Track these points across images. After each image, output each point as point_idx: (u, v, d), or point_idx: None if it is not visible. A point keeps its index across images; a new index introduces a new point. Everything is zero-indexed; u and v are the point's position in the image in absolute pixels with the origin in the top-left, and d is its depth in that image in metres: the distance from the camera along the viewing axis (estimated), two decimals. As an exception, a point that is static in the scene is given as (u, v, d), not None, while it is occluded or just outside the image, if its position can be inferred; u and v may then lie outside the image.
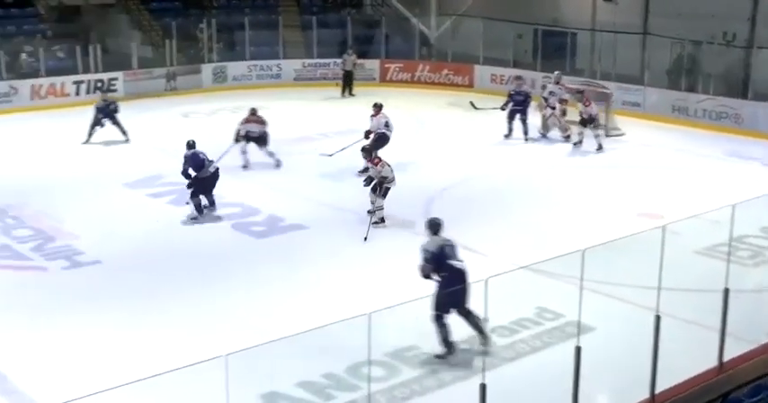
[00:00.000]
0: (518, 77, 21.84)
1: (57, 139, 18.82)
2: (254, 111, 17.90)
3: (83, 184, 16.56)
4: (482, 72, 26.88)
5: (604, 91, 21.92)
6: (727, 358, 9.21)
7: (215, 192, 14.74)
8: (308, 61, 28.08)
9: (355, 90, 25.90)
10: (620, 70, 23.98)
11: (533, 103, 20.82)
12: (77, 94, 24.58)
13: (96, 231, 13.97)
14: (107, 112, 20.04)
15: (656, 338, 8.44)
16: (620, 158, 19.07)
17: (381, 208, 14.38)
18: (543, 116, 20.80)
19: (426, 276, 9.64)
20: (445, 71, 27.68)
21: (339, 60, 27.05)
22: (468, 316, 9.57)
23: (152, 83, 25.80)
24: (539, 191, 16.45)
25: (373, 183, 14.37)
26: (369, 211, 14.43)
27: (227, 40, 28.67)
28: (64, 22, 27.43)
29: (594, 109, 19.34)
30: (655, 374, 8.46)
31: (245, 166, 17.44)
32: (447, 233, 13.63)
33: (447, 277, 9.59)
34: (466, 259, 12.47)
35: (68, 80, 24.51)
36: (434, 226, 10.02)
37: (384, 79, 27.88)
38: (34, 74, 24.45)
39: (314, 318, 9.92)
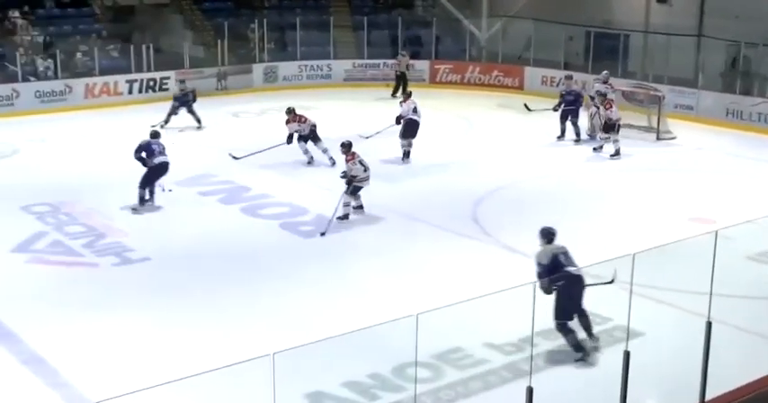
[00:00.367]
0: (568, 76, 21.64)
1: (109, 138, 19.05)
2: (289, 111, 18.05)
3: (134, 182, 16.69)
4: (532, 74, 26.71)
5: (656, 93, 21.67)
6: (780, 366, 9.05)
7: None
8: (358, 61, 28.14)
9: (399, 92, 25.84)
10: (673, 73, 23.67)
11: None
12: (130, 92, 24.89)
13: (146, 228, 14.13)
14: (183, 102, 21.31)
15: (707, 345, 8.30)
16: (672, 162, 18.83)
17: (348, 204, 14.53)
18: (590, 115, 20.62)
19: (547, 292, 9.32)
20: (495, 73, 27.55)
21: (391, 61, 27.12)
22: (582, 316, 9.73)
23: (203, 82, 25.99)
24: (589, 193, 16.30)
25: (346, 179, 14.54)
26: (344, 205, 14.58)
27: (278, 40, 28.83)
28: (118, 22, 27.80)
29: (616, 113, 18.83)
30: (705, 381, 8.33)
31: (309, 162, 17.93)
32: (495, 235, 13.65)
33: (565, 285, 9.57)
34: (513, 262, 12.52)
35: (121, 79, 24.83)
36: (548, 234, 10.03)
37: (434, 80, 27.83)
38: (89, 73, 24.80)
39: (360, 319, 9.93)
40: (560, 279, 9.55)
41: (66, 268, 12.53)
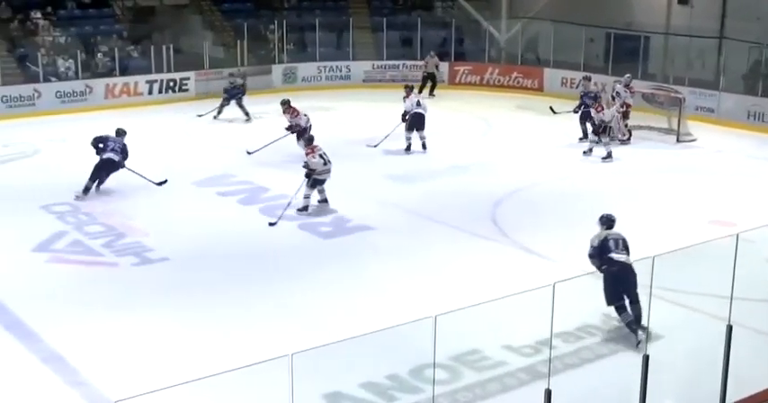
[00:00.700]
0: (586, 78, 21.53)
1: (129, 138, 19.09)
2: (284, 102, 18.67)
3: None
4: (552, 75, 26.64)
5: (677, 95, 21.56)
6: (801, 371, 8.99)
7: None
8: (377, 63, 28.16)
9: (425, 92, 25.85)
10: (694, 75, 23.56)
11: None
12: (150, 93, 25.01)
13: (165, 228, 14.17)
14: (233, 94, 22.49)
15: (728, 348, 8.25)
16: (692, 164, 18.73)
17: (308, 196, 14.89)
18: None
19: (596, 267, 10.23)
20: (515, 74, 27.50)
21: (410, 62, 27.15)
22: (633, 304, 9.95)
23: (223, 83, 26.02)
24: (609, 195, 16.23)
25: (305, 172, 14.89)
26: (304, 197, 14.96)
27: (297, 41, 28.88)
28: (139, 23, 27.92)
29: (608, 116, 18.71)
30: (725, 385, 8.28)
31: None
32: (514, 237, 13.63)
33: (608, 270, 10.13)
34: (532, 264, 12.50)
35: (141, 79, 24.95)
36: (607, 221, 10.66)
37: (453, 81, 27.81)
38: (109, 73, 24.94)
39: (379, 319, 9.94)
40: (605, 263, 10.16)
41: (86, 268, 12.59)
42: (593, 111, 18.83)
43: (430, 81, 26.46)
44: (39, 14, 25.75)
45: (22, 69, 24.33)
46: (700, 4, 25.87)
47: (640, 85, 22.64)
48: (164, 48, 25.42)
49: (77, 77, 24.34)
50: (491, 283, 11.52)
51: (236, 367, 6.26)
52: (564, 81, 26.17)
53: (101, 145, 15.98)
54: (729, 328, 8.26)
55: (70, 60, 24.58)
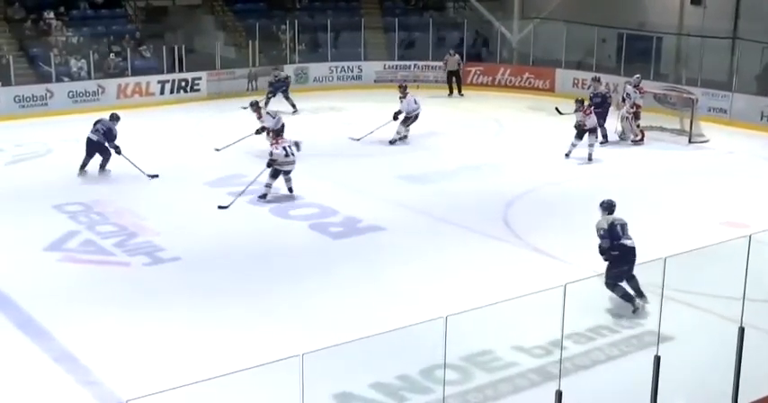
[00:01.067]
0: (595, 79, 21.47)
1: (141, 138, 19.16)
2: (253, 103, 18.97)
3: (165, 182, 16.86)
4: (564, 76, 26.59)
5: (689, 96, 21.50)
6: (813, 373, 8.94)
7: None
8: (388, 63, 28.16)
9: (433, 92, 25.82)
10: (707, 76, 23.47)
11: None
12: (162, 93, 25.07)
13: (177, 228, 14.20)
14: (277, 87, 23.61)
15: (740, 350, 8.22)
16: (704, 165, 18.67)
17: (268, 185, 15.55)
18: (620, 118, 20.50)
19: (603, 253, 10.72)
20: (526, 75, 27.46)
21: (422, 63, 27.19)
22: (631, 280, 10.67)
23: (234, 83, 26.16)
24: (620, 196, 16.06)
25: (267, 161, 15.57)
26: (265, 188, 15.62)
27: (309, 42, 28.91)
28: (151, 23, 28.00)
29: (594, 120, 18.60)
30: (737, 387, 8.25)
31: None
32: (525, 238, 13.62)
33: (618, 255, 10.66)
34: (543, 265, 12.48)
35: (153, 80, 25.00)
36: (609, 206, 11.14)
37: (465, 82, 27.66)
38: (121, 73, 25.01)
39: (389, 320, 9.94)
40: (614, 248, 10.67)
41: (98, 267, 12.63)
42: (579, 114, 18.57)
43: (455, 79, 26.48)
44: (51, 15, 25.84)
45: (34, 69, 24.42)
46: (713, 4, 25.78)
47: (653, 86, 22.59)
48: (176, 48, 25.48)
49: (90, 77, 24.42)
50: (502, 284, 11.51)
51: (246, 367, 6.26)
52: (576, 82, 26.11)
53: (93, 126, 17.15)
54: (741, 330, 8.22)
55: (83, 60, 24.66)
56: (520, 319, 9.68)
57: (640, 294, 10.63)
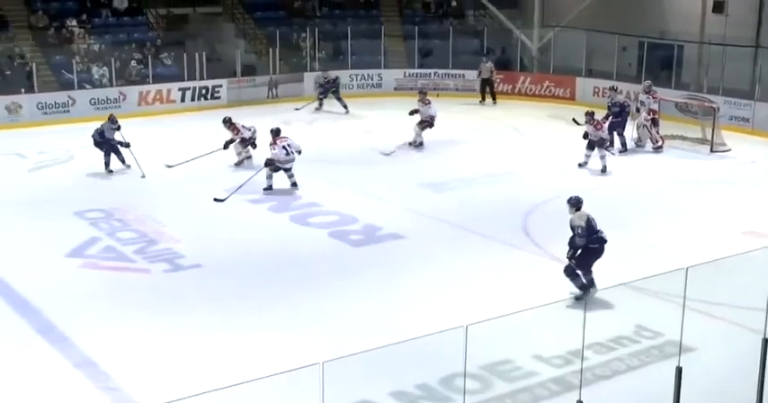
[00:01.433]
0: (613, 88, 21.37)
1: (162, 145, 19.25)
2: (226, 120, 18.81)
3: (187, 189, 16.92)
4: (584, 84, 26.52)
5: (711, 105, 21.38)
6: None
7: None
8: (409, 71, 28.17)
9: (453, 100, 25.79)
10: (729, 84, 23.33)
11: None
12: (183, 100, 25.19)
13: (197, 236, 14.25)
14: (327, 88, 24.62)
15: (763, 362, 8.15)
16: (725, 175, 18.54)
17: (269, 177, 16.53)
18: (636, 126, 20.44)
19: (578, 248, 11.17)
20: (546, 83, 27.39)
21: (442, 71, 27.20)
22: (588, 273, 11.23)
23: (255, 90, 26.25)
24: (640, 205, 16.12)
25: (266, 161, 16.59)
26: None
27: (329, 49, 28.97)
28: (172, 31, 28.17)
29: (605, 132, 18.40)
30: (761, 399, 8.18)
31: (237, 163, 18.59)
32: (545, 247, 13.58)
33: (598, 247, 11.17)
34: (563, 274, 12.41)
35: (174, 87, 25.13)
36: (576, 202, 11.44)
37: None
38: (142, 80, 25.16)
39: (408, 328, 9.94)
40: (596, 242, 11.16)
41: (118, 273, 12.68)
42: (589, 128, 18.30)
43: (488, 87, 26.53)
44: (74, 22, 26.04)
45: (57, 77, 24.60)
46: (735, 12, 25.64)
47: (674, 95, 22.50)
48: (196, 55, 25.60)
49: (111, 85, 24.56)
50: (522, 293, 11.48)
51: (266, 374, 6.27)
52: (596, 90, 26.00)
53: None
54: (765, 342, 8.16)
55: (104, 68, 24.82)
56: (540, 329, 9.66)
57: (592, 284, 11.21)
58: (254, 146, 18.56)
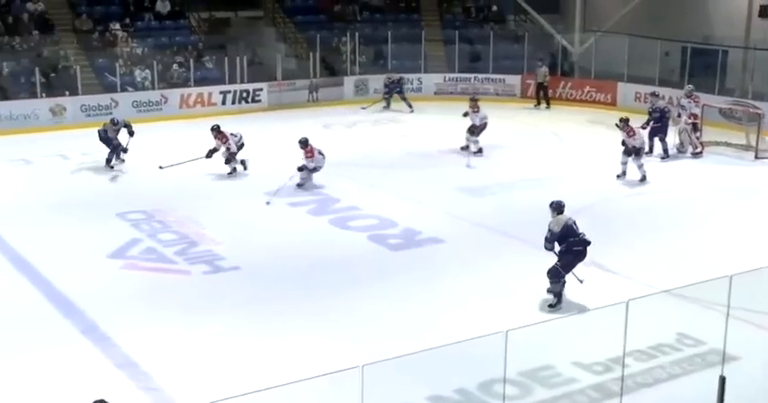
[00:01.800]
0: (653, 94, 21.22)
1: (203, 147, 19.36)
2: (214, 128, 18.53)
3: (226, 192, 17.04)
4: (625, 90, 26.31)
5: (755, 111, 21.13)
6: None
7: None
8: (448, 75, 28.14)
9: (493, 105, 25.70)
10: (775, 90, 23.05)
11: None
12: (223, 103, 25.37)
13: (237, 238, 14.33)
14: (392, 89, 25.67)
15: (808, 372, 8.04)
16: (770, 181, 18.30)
17: (305, 176, 17.15)
18: (678, 131, 20.23)
19: (549, 249, 11.41)
20: (587, 88, 27.22)
21: (482, 75, 27.07)
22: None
23: (295, 94, 26.39)
24: (681, 212, 15.95)
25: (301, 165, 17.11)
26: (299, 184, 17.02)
27: (369, 54, 29.03)
28: (214, 34, 28.40)
29: (639, 140, 17.93)
30: (804, 410, 8.06)
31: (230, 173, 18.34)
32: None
33: (581, 250, 11.34)
34: (604, 280, 12.34)
35: (215, 90, 25.34)
36: (559, 207, 11.60)
37: (525, 95, 27.64)
38: (184, 83, 25.38)
39: (447, 332, 9.92)
40: (573, 244, 11.26)
41: (159, 275, 12.78)
42: (624, 135, 17.90)
43: (543, 91, 26.53)
44: (117, 26, 26.35)
45: (100, 79, 24.89)
46: (782, 16, 25.32)
47: (718, 101, 22.25)
48: (238, 59, 25.77)
49: (153, 87, 24.84)
50: (563, 299, 11.40)
51: (306, 377, 6.28)
52: (638, 95, 25.80)
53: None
54: (810, 351, 8.04)
55: (147, 70, 25.10)
56: (580, 335, 9.59)
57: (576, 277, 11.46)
58: (241, 147, 18.44)
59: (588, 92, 27.15)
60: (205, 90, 25.23)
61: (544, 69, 26.64)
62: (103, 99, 23.71)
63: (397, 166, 19.09)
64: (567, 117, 25.25)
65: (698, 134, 20.16)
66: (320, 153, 17.11)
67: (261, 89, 25.91)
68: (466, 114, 20.50)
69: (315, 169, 17.14)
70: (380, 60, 28.74)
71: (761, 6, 25.97)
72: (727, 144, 20.61)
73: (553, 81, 27.51)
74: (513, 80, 27.82)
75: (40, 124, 22.39)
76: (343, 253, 13.79)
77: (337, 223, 15.18)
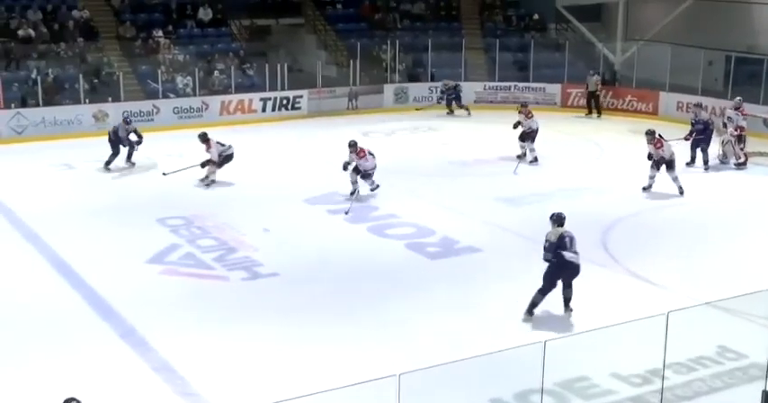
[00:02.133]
0: (697, 105, 21.02)
1: (243, 154, 19.49)
2: (201, 135, 18.36)
3: (266, 198, 17.10)
4: (668, 99, 26.06)
5: (799, 122, 20.86)
6: None
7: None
8: (489, 84, 28.07)
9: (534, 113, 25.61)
10: (819, 100, 22.70)
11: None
12: (264, 110, 25.50)
13: (275, 245, 14.37)
14: (449, 95, 26.29)
15: None
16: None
17: (355, 182, 16.86)
18: (722, 142, 20.01)
19: (547, 260, 11.22)
20: (629, 97, 27.00)
21: (522, 84, 26.99)
22: (567, 288, 11.35)
23: (335, 101, 26.45)
24: (721, 223, 15.75)
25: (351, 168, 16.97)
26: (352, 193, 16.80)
27: (409, 61, 29.04)
28: (255, 42, 28.58)
29: (668, 151, 17.42)
30: None
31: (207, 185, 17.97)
32: (625, 264, 13.35)
33: (556, 264, 11.12)
34: (643, 291, 12.22)
35: (256, 97, 25.47)
36: (559, 219, 11.47)
37: (565, 104, 27.47)
38: (224, 90, 25.55)
39: (485, 342, 9.87)
40: (557, 257, 11.12)
41: (198, 280, 12.86)
42: (651, 148, 17.54)
43: (594, 100, 26.48)
44: (160, 33, 26.59)
45: (142, 86, 25.14)
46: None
47: (761, 111, 21.95)
48: (278, 66, 25.90)
49: (194, 94, 25.02)
50: (601, 310, 11.31)
51: (343, 385, 6.28)
52: (680, 105, 25.53)
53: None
54: None
55: (188, 77, 25.30)
56: (618, 346, 9.48)
57: (567, 305, 11.37)
58: (230, 159, 18.32)
59: (630, 101, 26.92)
60: (245, 97, 25.37)
61: (596, 78, 26.49)
62: (145, 105, 23.94)
63: (435, 175, 19.06)
64: (609, 126, 25.06)
65: (742, 145, 19.92)
66: (371, 153, 17.05)
67: (301, 96, 26.01)
68: (517, 125, 20.33)
69: (367, 173, 16.95)
70: (420, 68, 28.73)
71: (806, 15, 25.67)
72: (768, 154, 20.37)
73: (594, 90, 27.35)
74: (554, 89, 27.65)
75: (83, 130, 22.64)
76: (381, 260, 13.79)
77: (375, 231, 15.18)
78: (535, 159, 20.02)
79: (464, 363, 7.39)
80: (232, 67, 25.86)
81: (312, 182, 18.20)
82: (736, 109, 20.30)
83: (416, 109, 26.39)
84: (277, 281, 12.84)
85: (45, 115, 22.78)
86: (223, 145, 18.35)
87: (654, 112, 26.22)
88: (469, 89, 27.82)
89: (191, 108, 24.46)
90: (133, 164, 19.49)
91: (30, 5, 25.99)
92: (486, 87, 28.03)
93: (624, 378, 9.53)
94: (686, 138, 19.83)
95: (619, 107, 26.97)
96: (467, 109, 26.30)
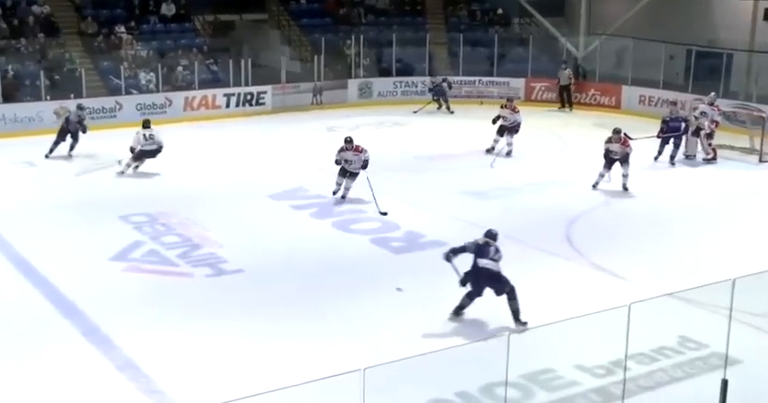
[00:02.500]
0: (673, 103, 21.12)
1: (207, 150, 19.42)
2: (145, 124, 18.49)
3: (230, 195, 17.02)
4: (630, 93, 26.27)
5: (759, 114, 21.09)
6: None
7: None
8: (453, 78, 28.08)
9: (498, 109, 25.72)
10: (779, 93, 23.00)
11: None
12: (227, 106, 25.38)
13: (240, 241, 14.31)
14: (438, 91, 25.94)
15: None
16: (774, 185, 18.27)
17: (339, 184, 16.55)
18: (704, 136, 20.16)
19: (445, 259, 11.18)
20: (592, 91, 27.20)
21: (486, 78, 27.06)
22: (509, 300, 10.89)
23: (299, 97, 26.39)
24: (685, 216, 15.92)
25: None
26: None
27: (374, 56, 29.03)
28: (218, 37, 28.43)
29: (631, 149, 17.41)
30: (807, 414, 8.03)
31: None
32: (589, 256, 13.43)
33: (470, 271, 11.08)
34: (606, 284, 12.32)
35: (219, 93, 25.34)
36: (489, 235, 11.29)
37: (529, 98, 27.61)
38: (188, 86, 25.40)
39: (450, 336, 9.90)
40: (472, 265, 11.08)
41: (162, 277, 12.77)
42: (617, 146, 17.42)
43: (566, 94, 26.58)
44: (122, 29, 26.36)
45: (105, 82, 24.91)
46: (787, 20, 25.28)
47: (722, 104, 22.19)
48: (242, 62, 25.78)
49: (158, 90, 24.83)
50: (565, 302, 11.38)
51: (307, 380, 6.27)
52: (642, 99, 25.80)
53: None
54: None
55: (151, 73, 25.11)
56: (582, 338, 9.56)
57: (516, 317, 10.78)
58: (149, 155, 18.33)
59: (593, 95, 27.13)
60: (209, 93, 25.22)
61: (567, 72, 26.63)
62: (108, 102, 23.71)
63: (400, 169, 19.07)
64: (572, 120, 25.25)
65: (710, 141, 20.09)
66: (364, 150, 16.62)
67: (265, 92, 25.92)
68: (497, 119, 20.32)
69: (353, 173, 16.42)
70: (384, 63, 28.73)
71: (765, 10, 25.97)
72: (732, 147, 20.58)
73: (557, 84, 27.50)
74: (518, 83, 27.78)
75: (44, 126, 22.34)
76: (346, 256, 13.78)
77: (340, 226, 15.18)
78: (509, 153, 20.08)
79: (429, 357, 7.40)
80: (196, 63, 25.71)
81: (277, 177, 18.15)
82: (710, 104, 20.47)
83: (414, 112, 25.81)
84: (242, 277, 12.79)
85: (5, 112, 22.50)
86: (148, 139, 18.21)
87: (617, 106, 26.45)
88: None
89: (154, 104, 24.27)
90: (71, 156, 19.58)
91: (-12, 1, 25.71)
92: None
93: (588, 369, 9.61)
94: (658, 136, 19.89)
95: (582, 101, 27.16)
96: (448, 107, 25.93)
